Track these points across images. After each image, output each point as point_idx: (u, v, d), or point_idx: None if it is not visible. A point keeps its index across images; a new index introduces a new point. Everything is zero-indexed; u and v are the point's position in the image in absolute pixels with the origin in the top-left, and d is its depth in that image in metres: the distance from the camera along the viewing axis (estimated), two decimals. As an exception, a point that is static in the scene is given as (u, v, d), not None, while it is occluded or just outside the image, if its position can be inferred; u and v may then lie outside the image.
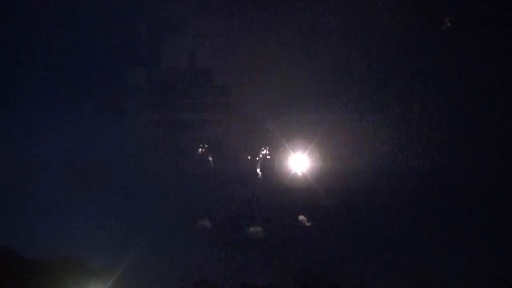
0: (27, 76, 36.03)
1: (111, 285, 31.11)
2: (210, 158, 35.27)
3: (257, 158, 34.40)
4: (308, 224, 34.36)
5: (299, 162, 34.13)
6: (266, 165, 34.13)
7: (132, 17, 36.79)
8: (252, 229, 34.57)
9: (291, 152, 34.15)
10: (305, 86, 35.29)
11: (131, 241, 33.04)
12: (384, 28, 33.67)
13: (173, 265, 33.24)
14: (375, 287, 31.80)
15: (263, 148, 34.41)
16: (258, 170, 34.24)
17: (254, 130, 34.89)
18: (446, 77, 33.81)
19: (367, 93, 34.82)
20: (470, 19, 32.66)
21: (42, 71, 36.15)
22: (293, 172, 34.31)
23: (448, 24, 32.03)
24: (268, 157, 34.35)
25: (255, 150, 34.44)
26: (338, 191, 33.70)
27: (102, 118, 36.10)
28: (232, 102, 35.46)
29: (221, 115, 35.33)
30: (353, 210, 34.09)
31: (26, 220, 32.99)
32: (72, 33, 36.66)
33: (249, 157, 34.48)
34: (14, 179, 33.77)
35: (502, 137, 32.90)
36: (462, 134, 33.62)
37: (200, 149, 35.43)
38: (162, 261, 33.14)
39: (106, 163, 34.71)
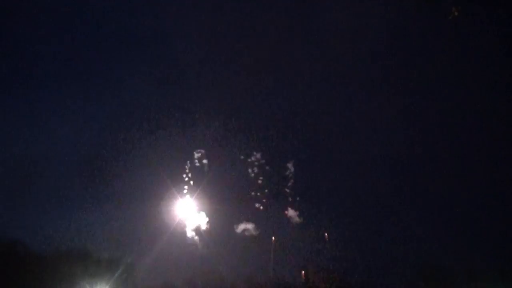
0: (35, 72, 36.49)
1: (119, 276, 31.85)
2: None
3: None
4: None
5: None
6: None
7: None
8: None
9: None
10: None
11: (138, 233, 33.57)
12: (387, 20, 32.91)
13: (180, 258, 33.74)
14: (381, 279, 31.87)
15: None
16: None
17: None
18: (452, 68, 32.96)
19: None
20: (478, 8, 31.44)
21: (48, 67, 36.58)
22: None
23: (456, 14, 30.84)
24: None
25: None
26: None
27: (108, 112, 36.45)
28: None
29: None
30: (358, 206, 33.90)
31: (35, 214, 33.79)
32: (80, 31, 36.91)
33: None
34: (23, 174, 34.51)
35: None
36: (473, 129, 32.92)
37: None
38: (170, 253, 33.63)
39: (112, 158, 35.12)
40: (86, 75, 36.43)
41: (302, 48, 36.46)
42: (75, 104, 36.34)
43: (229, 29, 36.58)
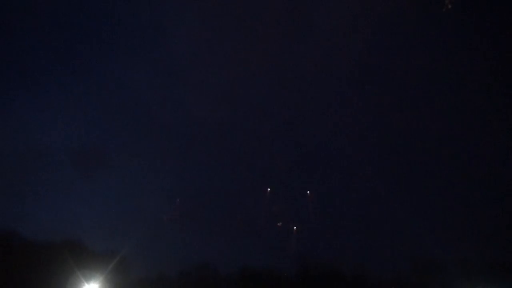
0: (32, 66, 36.70)
1: (114, 267, 31.79)
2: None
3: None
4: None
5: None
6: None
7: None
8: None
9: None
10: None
11: (133, 225, 33.63)
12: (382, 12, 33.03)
13: (174, 249, 33.71)
14: (374, 269, 31.84)
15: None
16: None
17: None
18: (447, 60, 33.01)
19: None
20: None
21: (45, 59, 36.76)
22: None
23: (449, 6, 31.01)
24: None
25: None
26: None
27: (103, 105, 36.66)
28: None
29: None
30: (354, 197, 33.97)
31: (31, 205, 33.86)
32: (78, 24, 37.07)
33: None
34: (20, 166, 34.57)
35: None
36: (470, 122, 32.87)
37: None
38: (164, 245, 33.62)
39: (107, 149, 35.29)
40: (84, 70, 36.73)
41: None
42: (71, 97, 36.63)
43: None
